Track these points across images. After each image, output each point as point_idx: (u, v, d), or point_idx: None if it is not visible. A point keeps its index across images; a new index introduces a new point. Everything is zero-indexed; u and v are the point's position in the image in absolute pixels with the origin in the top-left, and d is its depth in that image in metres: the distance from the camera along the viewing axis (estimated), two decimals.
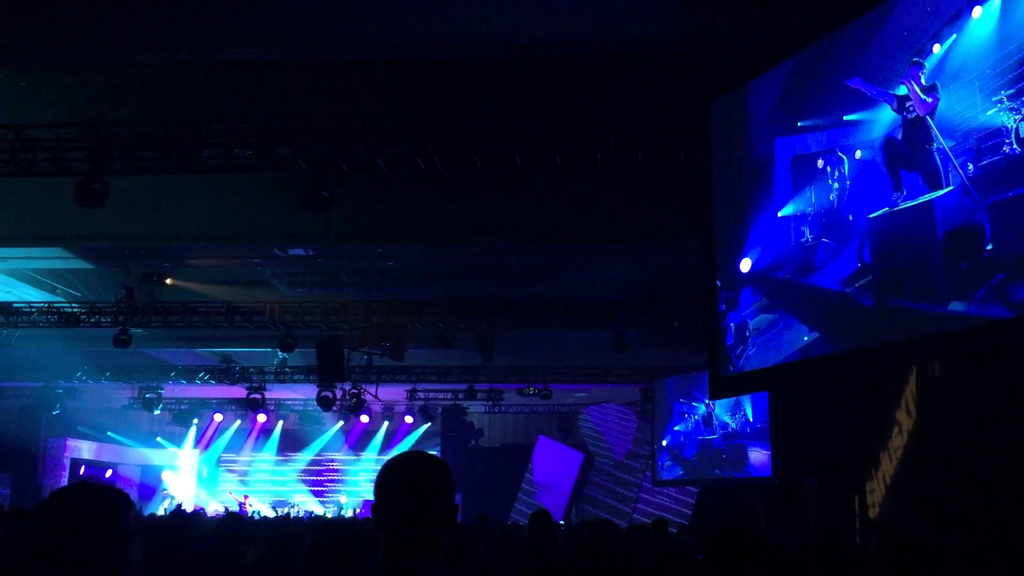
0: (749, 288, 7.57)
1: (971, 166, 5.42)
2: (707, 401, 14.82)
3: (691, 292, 13.41)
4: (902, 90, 5.97)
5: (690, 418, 15.54)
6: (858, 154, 6.46)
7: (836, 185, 6.68)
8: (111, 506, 2.05)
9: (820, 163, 6.82)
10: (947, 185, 5.64)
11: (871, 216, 6.36)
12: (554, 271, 14.76)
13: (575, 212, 11.37)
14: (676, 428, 15.88)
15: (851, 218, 6.54)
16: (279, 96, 9.67)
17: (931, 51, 5.74)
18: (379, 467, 2.18)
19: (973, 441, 8.28)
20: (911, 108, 5.90)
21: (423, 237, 12.11)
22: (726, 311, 7.80)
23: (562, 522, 17.71)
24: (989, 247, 5.32)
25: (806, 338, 6.85)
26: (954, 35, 5.57)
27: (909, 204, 6.04)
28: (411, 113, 9.41)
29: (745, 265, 7.60)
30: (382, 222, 11.69)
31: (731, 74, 7.72)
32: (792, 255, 7.08)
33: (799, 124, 7.03)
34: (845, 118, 6.55)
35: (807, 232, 6.95)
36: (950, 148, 5.60)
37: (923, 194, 5.91)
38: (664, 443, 16.22)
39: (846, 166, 6.58)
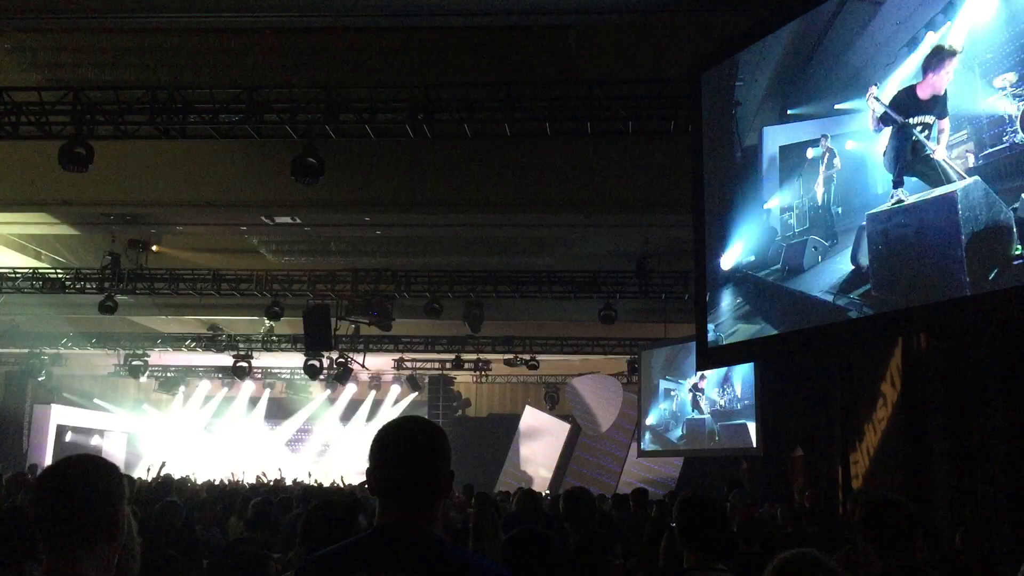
0: (730, 289, 7.23)
1: (971, 157, 5.01)
2: (694, 377, 14.73)
3: (680, 263, 13.43)
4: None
5: (676, 395, 15.50)
6: (849, 144, 6.14)
7: (824, 175, 6.34)
8: (104, 481, 1.99)
9: (809, 153, 6.52)
10: (957, 177, 5.08)
11: (870, 212, 5.77)
12: (543, 242, 14.74)
13: (565, 183, 11.33)
14: (662, 406, 15.87)
15: (841, 211, 6.13)
16: (268, 62, 9.57)
17: (924, 39, 5.46)
18: (365, 436, 2.15)
19: (957, 412, 8.35)
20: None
21: (412, 207, 12.06)
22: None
23: (547, 492, 17.82)
24: (1018, 249, 4.66)
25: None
26: (949, 22, 5.31)
27: (919, 198, 5.37)
28: (401, 81, 9.32)
29: (727, 261, 7.27)
30: (371, 191, 11.63)
31: (723, 44, 7.63)
32: (777, 252, 6.72)
33: (788, 112, 6.78)
34: (836, 107, 6.25)
35: (793, 224, 6.61)
36: (952, 137, 5.15)
37: (930, 187, 5.27)
38: (648, 422, 16.23)
39: (837, 156, 6.25)
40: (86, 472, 2.00)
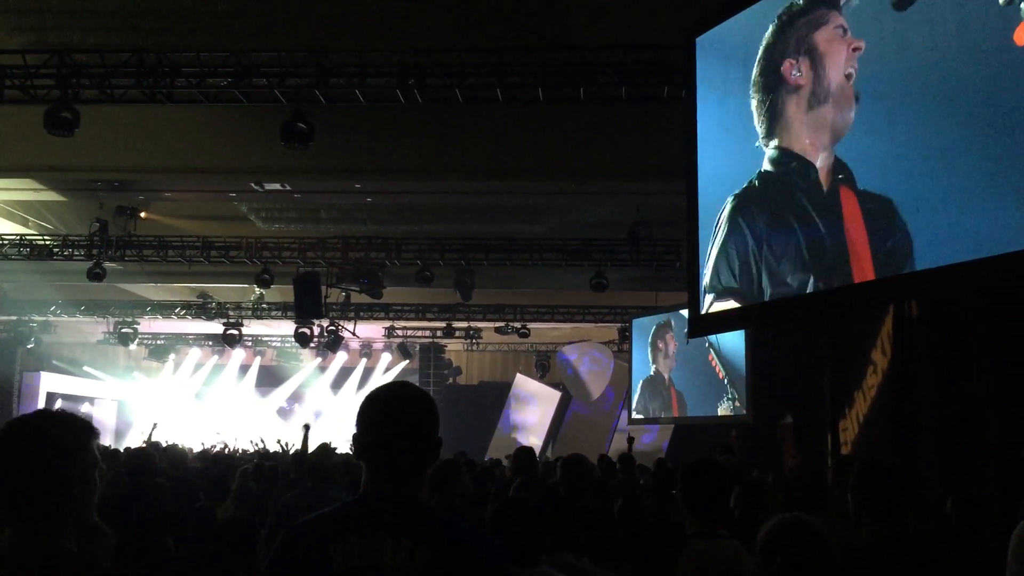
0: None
1: None
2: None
3: (672, 231, 13.41)
4: None
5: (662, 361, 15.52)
6: None
7: None
8: (65, 442, 1.91)
9: None
10: None
11: None
12: (535, 209, 14.68)
13: (557, 150, 11.25)
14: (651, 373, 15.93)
15: None
16: (257, 24, 9.42)
17: None
18: (355, 404, 2.13)
19: (947, 380, 8.37)
20: None
21: (403, 174, 11.96)
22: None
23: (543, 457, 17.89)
24: None
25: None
26: None
27: None
28: (392, 45, 9.19)
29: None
30: (361, 158, 11.52)
31: (718, 7, 7.52)
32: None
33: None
34: None
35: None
36: None
37: None
38: (638, 389, 16.31)
39: None
40: (46, 434, 1.88)
